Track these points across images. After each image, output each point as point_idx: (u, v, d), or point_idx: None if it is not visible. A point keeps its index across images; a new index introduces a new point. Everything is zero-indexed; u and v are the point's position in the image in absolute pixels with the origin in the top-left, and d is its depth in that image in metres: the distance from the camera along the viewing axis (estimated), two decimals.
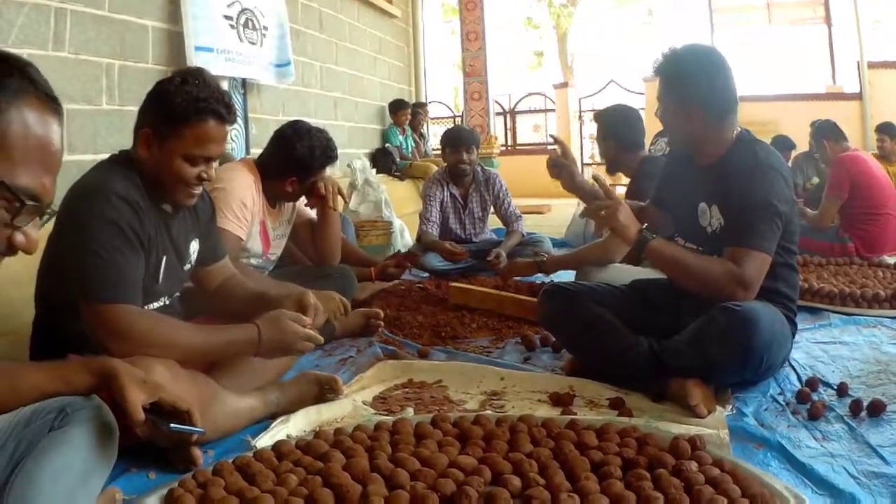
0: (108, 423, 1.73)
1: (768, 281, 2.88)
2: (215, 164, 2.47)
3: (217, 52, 5.47)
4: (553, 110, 16.72)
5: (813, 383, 3.06)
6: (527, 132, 17.61)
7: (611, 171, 4.77)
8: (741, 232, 2.84)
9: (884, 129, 8.52)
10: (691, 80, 2.98)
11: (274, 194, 3.66)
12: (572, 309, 3.11)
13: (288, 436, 2.29)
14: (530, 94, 17.94)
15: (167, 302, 2.52)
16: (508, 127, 17.07)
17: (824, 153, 6.91)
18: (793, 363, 3.31)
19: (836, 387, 3.01)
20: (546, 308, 3.24)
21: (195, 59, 5.21)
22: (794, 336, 3.18)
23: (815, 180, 8.45)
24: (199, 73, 2.43)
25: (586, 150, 16.31)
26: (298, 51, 7.18)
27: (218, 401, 2.28)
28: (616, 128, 4.54)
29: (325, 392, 2.62)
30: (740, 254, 2.79)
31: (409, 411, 2.58)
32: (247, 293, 2.73)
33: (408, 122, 9.72)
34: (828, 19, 14.56)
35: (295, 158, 3.62)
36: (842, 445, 2.49)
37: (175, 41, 5.19)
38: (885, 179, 6.39)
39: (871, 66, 13.48)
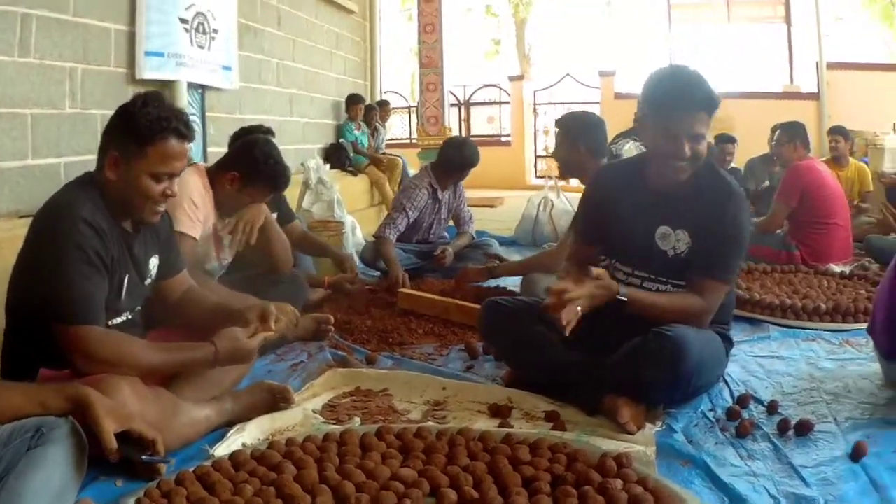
0: (81, 441, 1.92)
1: None
2: (177, 179, 2.64)
3: (168, 57, 5.53)
4: (508, 102, 16.84)
5: (744, 400, 3.14)
6: (481, 124, 17.72)
7: (566, 175, 4.85)
8: (714, 264, 2.98)
9: (837, 130, 8.63)
10: None
11: (220, 199, 3.74)
12: (510, 324, 3.24)
13: (243, 444, 2.47)
14: (486, 86, 18.06)
15: (129, 317, 2.67)
16: (463, 118, 17.16)
17: (788, 155, 6.78)
18: (727, 378, 3.40)
19: (766, 404, 3.11)
20: (485, 322, 3.38)
21: (145, 64, 5.28)
22: (728, 353, 3.30)
23: (767, 184, 8.55)
24: (158, 96, 2.60)
25: (540, 143, 16.48)
26: (255, 48, 7.27)
27: (178, 413, 2.46)
28: (589, 133, 4.55)
29: (277, 401, 2.80)
30: (711, 287, 2.96)
31: (356, 421, 2.75)
32: (208, 306, 2.90)
33: (361, 116, 9.80)
34: (787, 18, 14.80)
35: (249, 157, 3.73)
36: (766, 465, 2.59)
37: (136, 43, 5.26)
38: (836, 189, 6.45)
39: (830, 66, 13.74)
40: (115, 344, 2.39)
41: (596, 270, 2.87)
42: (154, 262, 2.78)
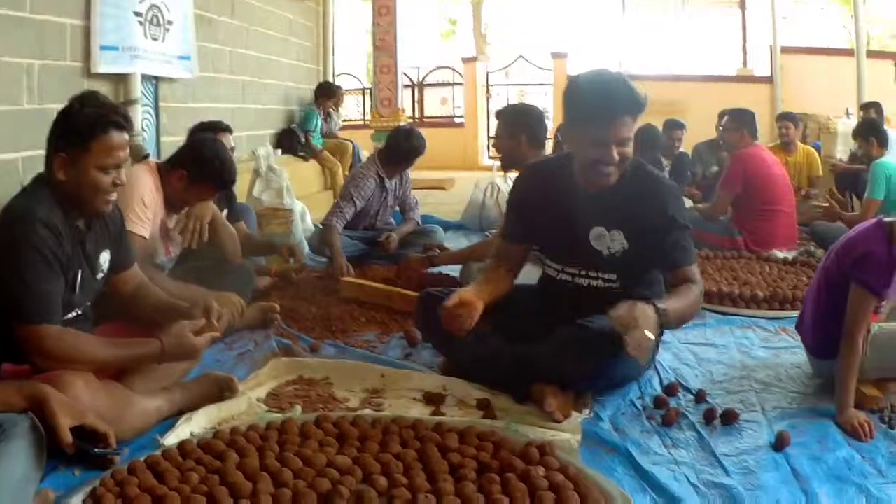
0: (40, 435, 2.11)
1: (643, 288, 3.13)
2: (124, 169, 2.80)
3: (122, 50, 5.63)
4: (461, 84, 16.91)
5: (672, 389, 3.26)
6: (435, 105, 17.83)
7: (507, 167, 4.88)
8: (681, 254, 3.08)
9: (787, 116, 8.66)
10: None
11: (169, 196, 3.84)
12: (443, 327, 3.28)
13: (191, 433, 2.64)
14: (439, 68, 18.11)
15: (80, 312, 2.84)
16: (416, 100, 17.24)
17: (735, 139, 6.77)
18: (658, 366, 3.51)
19: (695, 393, 3.22)
20: (420, 314, 3.52)
21: (101, 58, 5.39)
22: (658, 342, 3.35)
23: (715, 169, 8.60)
24: (93, 95, 2.77)
25: (493, 125, 16.58)
26: (210, 38, 7.36)
27: (130, 405, 2.64)
28: (530, 125, 4.61)
29: (223, 391, 2.98)
30: (690, 272, 3.06)
31: (297, 409, 2.94)
32: (159, 301, 3.07)
33: (334, 105, 9.94)
34: (742, 3, 14.98)
35: (197, 156, 3.85)
36: (688, 453, 2.70)
37: (91, 38, 5.36)
38: (781, 177, 6.55)
39: (784, 50, 13.90)
40: (70, 342, 2.56)
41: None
42: (105, 258, 2.94)
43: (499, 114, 4.84)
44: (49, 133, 2.75)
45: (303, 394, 3.16)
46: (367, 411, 2.95)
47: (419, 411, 3.00)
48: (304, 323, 4.22)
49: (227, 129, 5.04)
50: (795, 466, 2.60)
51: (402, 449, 2.49)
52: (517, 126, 4.59)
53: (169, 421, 2.78)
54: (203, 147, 3.92)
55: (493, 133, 16.45)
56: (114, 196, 2.80)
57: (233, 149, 4.85)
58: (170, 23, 6.26)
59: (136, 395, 2.73)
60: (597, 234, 3.17)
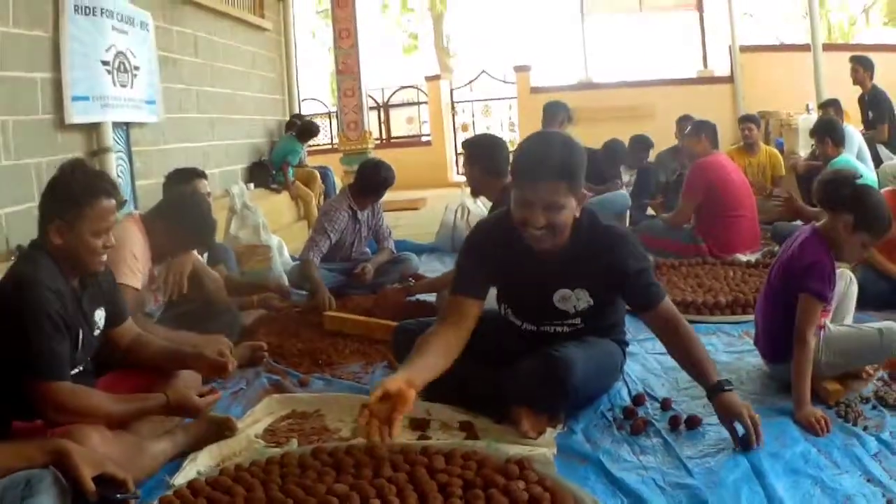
0: (63, 488, 2.30)
1: (604, 320, 3.38)
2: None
3: (93, 100, 5.78)
4: (426, 102, 17.11)
5: (640, 399, 3.46)
6: (401, 125, 18.01)
7: (475, 194, 5.16)
8: (649, 294, 3.21)
9: (749, 119, 8.87)
10: (583, 169, 3.15)
11: (153, 246, 3.97)
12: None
13: (198, 472, 2.83)
14: (403, 88, 18.27)
15: (83, 367, 3.02)
16: (382, 120, 17.35)
17: (697, 148, 6.84)
18: (627, 377, 3.72)
19: (660, 401, 3.42)
20: (397, 345, 3.71)
21: (73, 109, 5.54)
22: (625, 354, 3.64)
23: (677, 174, 8.60)
24: (81, 163, 3.02)
25: (459, 140, 16.79)
26: (175, 79, 7.52)
27: (139, 451, 2.84)
28: (481, 155, 4.78)
29: (222, 430, 3.17)
30: (666, 307, 3.22)
31: (294, 443, 3.12)
32: (157, 349, 3.27)
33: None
34: (699, 5, 15.17)
35: (180, 215, 4.04)
36: (655, 458, 2.90)
37: (61, 90, 5.50)
38: (741, 182, 6.72)
39: (743, 49, 14.10)
40: (83, 397, 2.76)
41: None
42: (100, 315, 3.12)
43: (463, 145, 5.05)
44: (42, 199, 2.96)
45: (297, 427, 3.34)
46: (359, 440, 3.11)
47: (407, 437, 3.18)
48: (291, 358, 4.38)
49: (202, 176, 5.19)
50: (755, 463, 2.79)
51: (394, 473, 2.66)
52: (476, 157, 4.81)
53: (175, 462, 2.96)
54: (184, 207, 4.11)
55: (460, 149, 16.91)
56: (105, 257, 3.01)
57: (208, 194, 5.02)
58: (136, 68, 6.42)
59: (144, 440, 2.93)
60: (561, 295, 3.28)
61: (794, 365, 3.31)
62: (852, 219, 3.38)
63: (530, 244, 3.16)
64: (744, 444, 2.91)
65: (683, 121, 9.07)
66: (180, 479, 2.80)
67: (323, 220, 5.96)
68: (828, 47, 12.76)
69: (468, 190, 7.97)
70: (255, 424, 3.37)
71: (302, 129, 9.90)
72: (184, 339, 3.57)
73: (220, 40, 8.80)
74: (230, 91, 9.06)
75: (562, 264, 3.22)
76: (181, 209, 4.09)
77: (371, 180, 5.99)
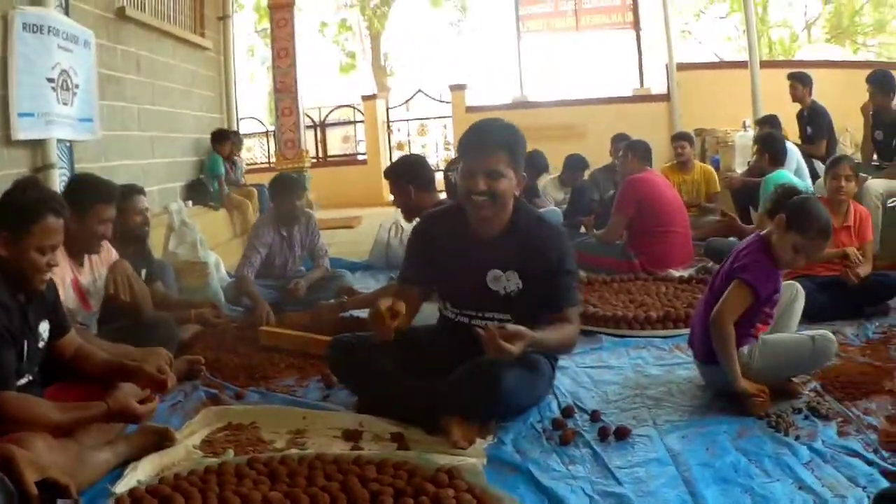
0: (10, 491, 2.43)
1: (531, 316, 3.43)
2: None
3: (38, 116, 5.81)
4: (362, 121, 17.22)
5: (569, 411, 3.58)
6: (337, 144, 18.13)
7: (409, 217, 5.13)
8: (563, 297, 3.48)
9: (682, 137, 9.01)
10: (524, 153, 3.55)
11: (69, 246, 4.01)
12: (354, 359, 3.71)
13: (138, 481, 2.94)
14: (340, 107, 18.40)
15: (30, 378, 3.13)
16: (319, 139, 17.45)
17: (626, 168, 7.12)
18: (557, 391, 3.83)
19: (590, 413, 3.53)
20: (332, 359, 3.88)
21: (19, 125, 5.57)
22: (555, 369, 3.78)
23: (612, 192, 8.67)
24: (34, 181, 3.17)
25: (395, 159, 16.93)
26: (118, 96, 7.56)
27: (83, 459, 2.95)
28: (416, 173, 5.01)
29: (162, 441, 3.29)
30: (570, 313, 3.48)
31: (230, 453, 3.24)
32: (104, 363, 3.37)
33: (229, 151, 10.01)
34: (636, 24, 15.34)
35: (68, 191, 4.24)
36: (584, 468, 3.00)
37: (8, 106, 5.53)
38: (673, 198, 6.92)
39: (680, 67, 14.33)
40: (27, 406, 2.86)
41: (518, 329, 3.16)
42: (45, 327, 3.23)
43: (385, 173, 5.22)
44: None
45: (233, 439, 3.46)
46: (293, 450, 3.26)
47: (340, 447, 3.32)
48: (228, 372, 4.48)
49: (141, 192, 5.28)
50: (684, 473, 2.91)
51: (327, 482, 2.81)
52: (406, 178, 5.00)
53: (116, 471, 3.07)
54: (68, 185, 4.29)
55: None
56: (49, 276, 3.15)
57: (146, 210, 5.15)
58: (76, 86, 6.46)
59: (87, 449, 3.04)
60: (493, 276, 3.50)
61: (716, 347, 3.54)
62: (785, 218, 3.60)
63: (474, 222, 3.50)
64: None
65: (618, 140, 9.27)
66: (121, 487, 2.90)
67: (251, 236, 6.22)
68: (766, 64, 13.10)
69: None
70: (192, 435, 3.48)
71: (213, 136, 9.90)
72: (124, 353, 3.65)
73: (161, 59, 8.83)
74: (171, 109, 9.08)
75: (497, 247, 3.49)
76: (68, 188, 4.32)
77: (279, 194, 6.26)
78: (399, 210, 5.28)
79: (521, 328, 3.13)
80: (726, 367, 3.53)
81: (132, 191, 5.20)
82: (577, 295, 3.60)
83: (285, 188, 6.30)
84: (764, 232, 3.79)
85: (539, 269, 3.46)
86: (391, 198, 5.38)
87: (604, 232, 7.01)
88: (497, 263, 3.50)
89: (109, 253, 4.54)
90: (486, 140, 3.43)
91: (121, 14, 7.69)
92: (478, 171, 3.38)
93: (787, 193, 3.83)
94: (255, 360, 4.68)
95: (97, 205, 4.19)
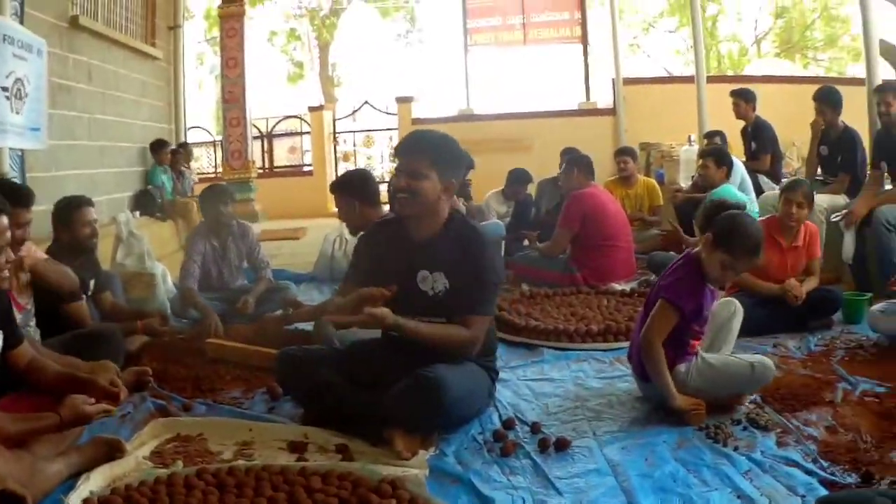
0: None
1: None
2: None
3: None
4: (309, 132, 17.23)
5: (510, 423, 3.67)
6: (284, 155, 18.11)
7: (355, 232, 5.19)
8: (474, 301, 3.59)
9: (625, 152, 9.21)
10: (453, 160, 3.72)
11: None
12: (300, 372, 3.79)
13: (90, 492, 3.02)
14: (287, 118, 18.40)
15: None
16: (265, 150, 17.44)
17: (570, 182, 7.19)
18: (497, 403, 3.92)
19: (530, 425, 3.62)
20: (279, 371, 3.97)
21: None
22: (495, 382, 3.93)
23: (557, 203, 8.75)
24: None
25: (341, 171, 16.92)
26: (69, 105, 7.62)
27: (37, 470, 3.04)
28: (358, 188, 5.08)
29: (113, 452, 3.37)
30: (474, 320, 3.56)
31: (179, 464, 3.33)
32: (56, 374, 3.43)
33: (169, 161, 10.03)
34: (584, 39, 15.31)
35: None
36: (525, 479, 3.09)
37: None
38: (617, 213, 7.04)
39: (627, 81, 14.41)
40: None
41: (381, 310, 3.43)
42: None
43: (331, 189, 5.30)
44: None
45: (182, 450, 3.54)
46: (241, 462, 3.36)
47: (286, 459, 3.41)
48: (175, 384, 4.55)
49: (89, 203, 5.29)
50: (624, 483, 3.02)
51: (274, 492, 2.93)
52: (352, 193, 5.09)
53: (69, 482, 3.14)
54: None
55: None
56: (6, 273, 3.22)
57: (95, 221, 5.20)
58: (27, 95, 6.43)
59: (41, 460, 3.11)
60: (422, 276, 3.68)
61: (647, 366, 3.69)
62: (713, 237, 3.74)
63: (406, 225, 3.74)
64: None
65: (567, 153, 9.21)
66: (74, 498, 2.97)
67: (186, 247, 6.32)
68: (713, 79, 13.19)
69: None
70: (142, 447, 3.56)
71: (151, 146, 9.93)
72: (72, 364, 3.72)
73: (112, 68, 8.89)
74: (120, 119, 9.13)
75: (428, 248, 3.68)
76: None
77: (208, 206, 6.32)
78: (344, 223, 5.40)
79: (386, 310, 3.43)
80: (659, 385, 3.68)
81: (80, 202, 5.24)
82: (489, 307, 3.73)
83: (211, 198, 6.34)
84: (695, 249, 3.93)
85: (463, 269, 3.61)
86: (336, 210, 5.44)
87: (547, 245, 7.11)
88: (425, 264, 3.68)
89: (35, 254, 4.53)
90: (412, 144, 3.69)
91: (74, 23, 7.75)
92: (402, 172, 3.66)
93: (717, 209, 3.93)
94: (202, 372, 4.75)
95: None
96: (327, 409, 3.72)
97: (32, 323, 4.41)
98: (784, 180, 6.77)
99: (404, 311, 3.63)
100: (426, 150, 3.65)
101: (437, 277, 3.66)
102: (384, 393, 3.49)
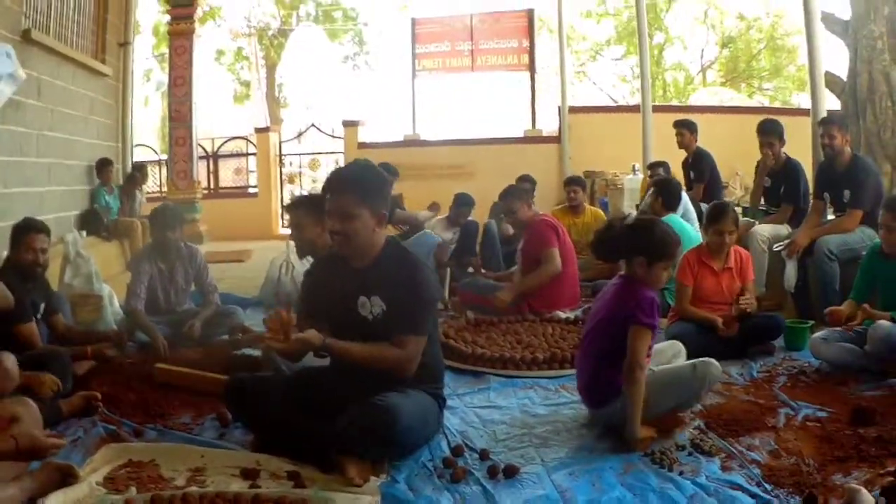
0: None
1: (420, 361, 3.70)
2: None
3: None
4: (255, 154, 17.21)
5: (458, 450, 3.73)
6: (229, 176, 18.02)
7: (303, 255, 5.21)
8: (405, 321, 3.66)
9: (575, 181, 9.21)
10: (381, 192, 3.79)
11: None
12: (250, 399, 3.84)
13: None
14: (233, 139, 18.37)
15: None
16: (211, 170, 17.35)
17: (525, 213, 7.01)
18: (447, 430, 3.99)
19: (479, 452, 3.70)
20: (228, 399, 4.00)
21: None
22: (442, 410, 4.01)
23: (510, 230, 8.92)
24: None
25: (286, 194, 16.99)
26: (18, 121, 7.54)
27: None
28: (320, 211, 4.77)
29: (66, 477, 3.36)
30: (407, 340, 3.64)
31: (133, 490, 3.35)
32: None
33: (112, 179, 9.97)
34: (531, 66, 15.61)
35: None
36: None
37: None
38: (566, 243, 7.00)
39: (572, 110, 14.68)
40: None
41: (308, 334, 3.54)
42: None
43: (292, 206, 5.29)
44: None
45: (135, 476, 3.55)
46: (194, 489, 3.38)
47: (238, 485, 3.44)
48: (125, 409, 4.53)
49: (40, 230, 5.28)
50: None
51: None
52: (314, 215, 4.95)
53: None
54: None
55: (286, 202, 17.00)
56: None
57: (44, 249, 5.18)
58: None
59: None
60: (362, 302, 3.76)
61: (631, 396, 3.75)
62: (645, 258, 3.91)
63: (344, 257, 3.80)
64: None
65: (522, 181, 9.37)
66: None
67: (132, 269, 6.30)
68: (658, 109, 13.39)
69: (293, 245, 8.25)
70: (94, 473, 3.55)
71: (97, 165, 9.89)
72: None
73: (61, 84, 8.82)
74: (68, 136, 9.07)
75: (366, 274, 3.77)
76: None
77: (156, 229, 6.32)
78: (292, 245, 5.38)
79: (313, 333, 3.54)
80: (633, 413, 3.76)
81: (31, 227, 5.25)
82: (421, 327, 3.77)
83: (161, 220, 6.33)
84: (623, 273, 4.10)
85: (398, 293, 3.69)
86: (287, 231, 5.43)
87: (546, 268, 6.82)
88: (364, 290, 3.76)
89: None
90: (340, 185, 3.74)
91: (26, 37, 7.70)
92: (333, 213, 3.70)
93: (616, 235, 4.09)
94: (151, 397, 4.73)
95: None
96: (278, 435, 3.76)
97: None
98: (707, 206, 6.85)
99: (347, 336, 3.71)
100: (354, 188, 3.70)
101: (375, 301, 3.74)
102: (334, 419, 3.53)
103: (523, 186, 7.57)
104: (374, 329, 3.74)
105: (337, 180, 3.79)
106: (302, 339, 3.52)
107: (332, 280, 3.89)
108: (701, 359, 4.07)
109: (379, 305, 3.74)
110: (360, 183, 3.73)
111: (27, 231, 5.12)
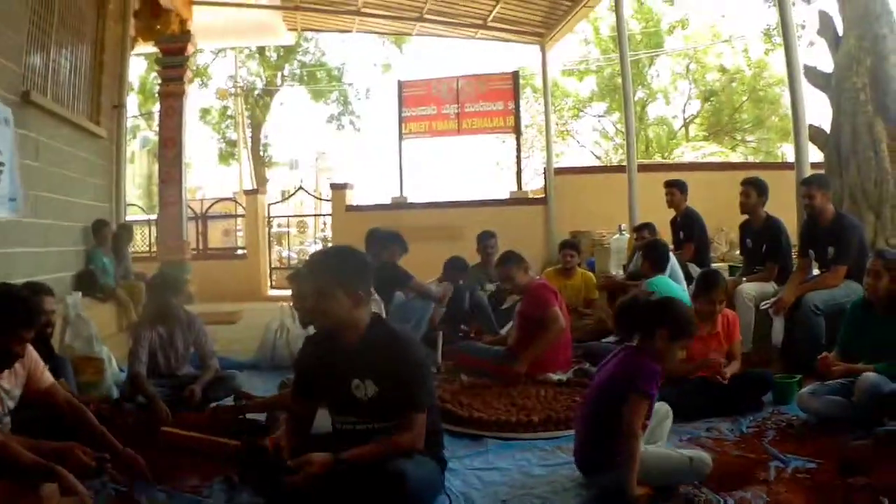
0: None
1: (393, 419, 3.73)
2: None
3: None
4: (243, 215, 17.37)
5: None
6: (218, 237, 18.19)
7: (306, 325, 5.24)
8: (406, 400, 3.71)
9: (570, 245, 9.40)
10: (359, 273, 3.86)
11: None
12: (265, 475, 3.79)
13: None
14: (222, 200, 18.61)
15: None
16: (200, 231, 17.46)
17: (520, 280, 6.98)
18: (449, 492, 4.01)
19: None
20: (242, 462, 4.05)
21: None
22: (444, 472, 4.05)
23: (490, 287, 9.17)
24: None
25: (274, 255, 17.06)
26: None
27: None
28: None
29: None
30: (412, 418, 3.69)
31: None
32: (31, 461, 3.50)
33: (108, 240, 9.98)
34: (516, 129, 15.91)
35: None
36: None
37: None
38: (560, 305, 6.96)
39: (558, 171, 15.01)
40: None
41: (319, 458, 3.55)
42: None
43: (294, 277, 5.46)
44: None
45: None
46: None
47: None
48: (132, 470, 4.41)
49: (49, 293, 5.33)
50: None
51: None
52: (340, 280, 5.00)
53: None
54: None
55: (274, 263, 17.08)
56: None
57: (53, 311, 5.21)
58: (2, 164, 6.59)
59: None
60: (355, 384, 3.80)
61: (627, 461, 3.82)
62: (668, 332, 4.02)
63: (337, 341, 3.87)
64: None
65: (484, 237, 9.77)
66: None
67: (133, 334, 6.32)
68: (643, 168, 13.63)
69: (286, 308, 8.36)
70: None
71: (93, 227, 9.93)
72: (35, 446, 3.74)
73: (58, 145, 8.87)
74: (65, 198, 9.11)
75: (356, 356, 3.82)
76: None
77: (156, 296, 6.38)
78: (286, 307, 5.35)
79: (323, 456, 3.55)
80: (628, 476, 3.82)
81: (39, 290, 5.26)
82: (424, 401, 3.83)
83: (161, 287, 6.41)
84: (634, 345, 4.18)
85: (390, 376, 3.75)
86: (276, 293, 5.48)
87: (552, 329, 6.77)
88: (356, 373, 3.80)
89: (30, 354, 4.48)
90: (315, 267, 4.02)
91: (25, 98, 7.77)
92: (310, 292, 3.97)
93: (641, 307, 4.24)
94: (157, 459, 4.66)
95: (19, 329, 4.01)
96: (287, 500, 3.72)
97: (6, 422, 4.33)
98: (699, 272, 6.94)
99: (345, 416, 3.86)
100: (328, 271, 3.85)
101: (368, 384, 3.80)
102: (343, 485, 3.56)
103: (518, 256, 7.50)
104: (369, 409, 3.82)
105: (314, 263, 4.10)
106: (314, 468, 3.53)
107: (324, 359, 3.95)
108: (698, 453, 4.18)
109: (372, 388, 3.79)
110: (335, 267, 3.86)
111: (35, 294, 5.13)
